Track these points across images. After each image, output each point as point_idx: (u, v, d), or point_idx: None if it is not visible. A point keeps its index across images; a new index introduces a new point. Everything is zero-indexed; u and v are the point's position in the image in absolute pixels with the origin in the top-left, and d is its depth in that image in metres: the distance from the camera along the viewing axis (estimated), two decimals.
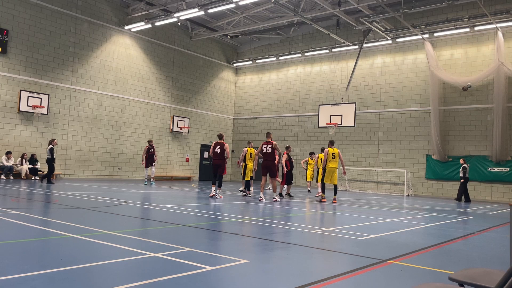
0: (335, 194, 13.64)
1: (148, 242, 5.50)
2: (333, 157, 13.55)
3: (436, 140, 20.23)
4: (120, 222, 7.44)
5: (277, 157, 13.52)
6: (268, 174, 13.34)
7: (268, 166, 13.26)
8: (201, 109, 26.69)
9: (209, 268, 4.17)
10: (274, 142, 13.19)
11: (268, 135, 13.53)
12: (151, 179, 18.49)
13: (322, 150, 18.46)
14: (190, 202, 11.95)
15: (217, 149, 12.93)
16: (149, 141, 18.58)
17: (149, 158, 18.19)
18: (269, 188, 16.87)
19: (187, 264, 4.29)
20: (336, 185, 13.77)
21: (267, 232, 6.95)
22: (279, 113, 26.80)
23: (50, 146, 15.77)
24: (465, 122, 20.14)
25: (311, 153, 18.40)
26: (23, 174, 17.86)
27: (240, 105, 28.85)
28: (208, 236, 6.25)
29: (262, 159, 13.68)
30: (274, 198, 13.07)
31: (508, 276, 1.65)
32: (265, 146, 13.28)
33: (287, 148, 15.99)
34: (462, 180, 17.68)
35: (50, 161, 15.65)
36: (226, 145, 12.96)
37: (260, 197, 12.78)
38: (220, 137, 13.38)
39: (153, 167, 18.27)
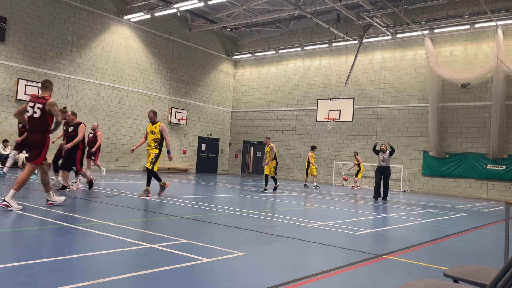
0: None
1: (145, 233, 5.52)
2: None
3: (433, 137, 20.28)
4: (117, 212, 7.44)
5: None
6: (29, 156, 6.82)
7: (33, 141, 6.68)
8: (199, 101, 26.62)
9: (205, 260, 4.19)
10: (50, 100, 6.73)
11: (45, 85, 6.96)
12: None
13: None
14: (186, 194, 11.96)
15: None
16: (93, 126, 13.97)
17: (89, 146, 13.68)
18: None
19: (183, 256, 4.31)
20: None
21: (263, 225, 6.97)
22: (277, 106, 26.77)
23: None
24: (463, 119, 20.18)
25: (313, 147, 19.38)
26: (20, 163, 17.82)
27: (239, 98, 28.79)
28: (205, 228, 6.27)
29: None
30: (48, 201, 7.12)
31: (503, 273, 1.66)
32: (32, 105, 6.69)
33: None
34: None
35: None
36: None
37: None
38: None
39: (91, 160, 13.68)
